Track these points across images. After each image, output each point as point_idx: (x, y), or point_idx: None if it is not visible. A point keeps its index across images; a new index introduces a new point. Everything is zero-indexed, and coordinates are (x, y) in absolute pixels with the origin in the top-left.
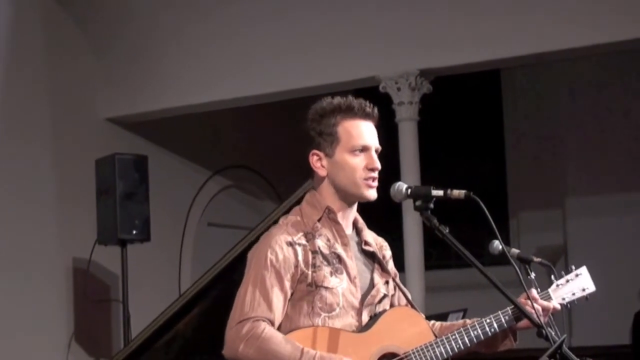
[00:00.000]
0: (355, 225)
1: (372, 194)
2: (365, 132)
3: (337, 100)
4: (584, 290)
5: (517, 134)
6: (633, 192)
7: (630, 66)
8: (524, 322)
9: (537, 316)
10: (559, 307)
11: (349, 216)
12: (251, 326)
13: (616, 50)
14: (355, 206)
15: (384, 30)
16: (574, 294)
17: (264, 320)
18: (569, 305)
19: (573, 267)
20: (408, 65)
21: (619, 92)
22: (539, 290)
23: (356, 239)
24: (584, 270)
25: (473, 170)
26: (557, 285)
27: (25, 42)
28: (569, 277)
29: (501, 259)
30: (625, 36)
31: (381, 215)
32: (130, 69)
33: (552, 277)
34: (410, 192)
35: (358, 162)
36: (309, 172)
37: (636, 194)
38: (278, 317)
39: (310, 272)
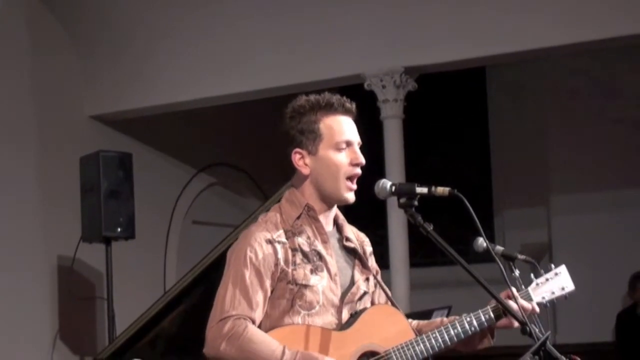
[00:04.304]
0: (335, 221)
1: (351, 197)
2: (347, 127)
3: (315, 97)
4: (563, 289)
5: (502, 131)
6: (617, 189)
7: (615, 64)
8: (504, 321)
9: (521, 313)
10: (537, 309)
11: (329, 214)
12: (232, 324)
13: (602, 47)
14: (335, 207)
15: (368, 28)
16: (553, 292)
17: (245, 319)
18: (548, 304)
19: (552, 266)
20: (393, 63)
21: (603, 90)
22: (522, 287)
23: (337, 235)
24: (563, 269)
25: (458, 167)
26: (537, 284)
27: (10, 41)
28: (548, 275)
29: (485, 257)
30: (611, 33)
31: (366, 212)
32: (114, 67)
33: (532, 275)
34: (395, 190)
35: (342, 158)
36: (293, 171)
37: (620, 191)
38: (259, 315)
39: (290, 270)
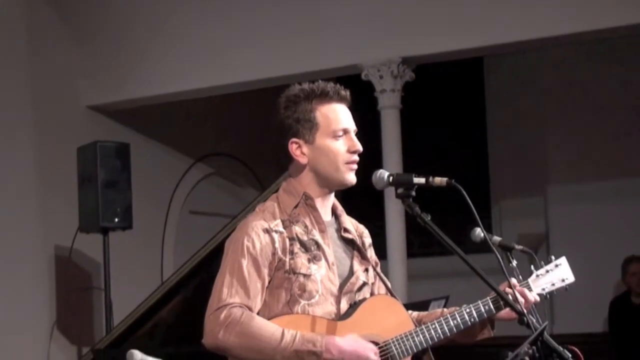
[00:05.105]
0: (334, 211)
1: (352, 179)
2: (343, 115)
3: (309, 85)
4: (563, 280)
5: (500, 122)
6: (614, 180)
7: (613, 55)
8: (503, 313)
9: (519, 304)
10: (538, 299)
11: (327, 203)
12: (229, 312)
13: (599, 37)
14: (333, 193)
15: (366, 18)
16: (553, 284)
17: (242, 307)
18: (547, 296)
19: (553, 258)
20: (390, 53)
21: (600, 80)
22: (520, 278)
23: (335, 225)
24: (563, 260)
25: (455, 157)
26: (537, 276)
27: (8, 32)
28: (548, 267)
29: (483, 247)
30: (610, 24)
31: (363, 203)
32: (112, 57)
33: (532, 267)
34: (392, 180)
35: (340, 146)
36: (289, 160)
37: (617, 182)
38: (256, 304)
39: (287, 259)
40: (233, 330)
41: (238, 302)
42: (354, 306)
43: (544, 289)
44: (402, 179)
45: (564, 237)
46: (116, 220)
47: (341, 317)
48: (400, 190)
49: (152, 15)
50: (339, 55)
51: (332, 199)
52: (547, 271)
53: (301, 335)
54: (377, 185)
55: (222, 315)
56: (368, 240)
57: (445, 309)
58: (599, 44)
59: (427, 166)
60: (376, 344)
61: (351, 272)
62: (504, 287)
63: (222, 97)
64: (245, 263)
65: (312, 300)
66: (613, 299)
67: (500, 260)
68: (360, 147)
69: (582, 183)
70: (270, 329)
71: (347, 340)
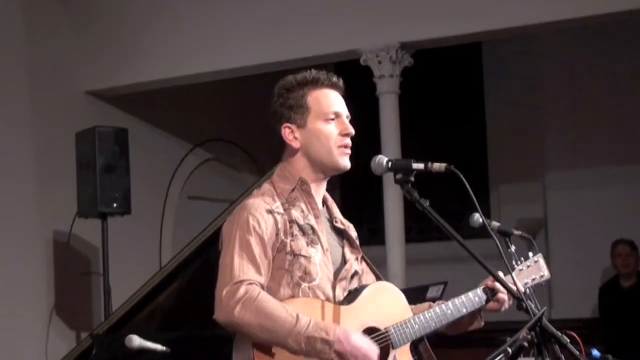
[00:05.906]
0: (325, 202)
1: (347, 164)
2: (335, 100)
3: (302, 74)
4: (542, 276)
5: (499, 107)
6: (613, 165)
7: (612, 39)
8: (492, 305)
9: (517, 290)
10: (522, 289)
11: (321, 191)
12: (246, 289)
13: (599, 23)
14: (326, 182)
15: (365, 4)
16: (534, 279)
17: (257, 284)
18: (528, 290)
19: (531, 254)
20: (389, 39)
21: (599, 65)
22: (521, 260)
23: (327, 215)
24: (540, 257)
25: (454, 143)
26: (520, 270)
27: (7, 16)
28: (529, 263)
29: (482, 232)
30: (607, 9)
31: (362, 188)
32: (111, 42)
33: (514, 262)
34: (391, 166)
35: (332, 129)
36: (283, 148)
37: (616, 168)
38: (265, 282)
39: (289, 241)
40: (250, 307)
41: (252, 278)
42: (355, 292)
43: (526, 283)
44: (401, 164)
45: (562, 223)
46: (115, 205)
47: (343, 302)
48: (399, 176)
49: (151, 1)
50: (338, 41)
51: (324, 188)
52: (528, 266)
53: (315, 323)
54: (376, 171)
55: (240, 292)
56: (354, 234)
57: (433, 303)
58: (597, 30)
59: (425, 152)
60: (377, 330)
61: (344, 260)
62: (491, 280)
63: (221, 83)
64: (253, 241)
65: (314, 283)
66: (603, 284)
67: (499, 245)
68: (352, 131)
69: (581, 169)
70: (285, 312)
71: (360, 337)
